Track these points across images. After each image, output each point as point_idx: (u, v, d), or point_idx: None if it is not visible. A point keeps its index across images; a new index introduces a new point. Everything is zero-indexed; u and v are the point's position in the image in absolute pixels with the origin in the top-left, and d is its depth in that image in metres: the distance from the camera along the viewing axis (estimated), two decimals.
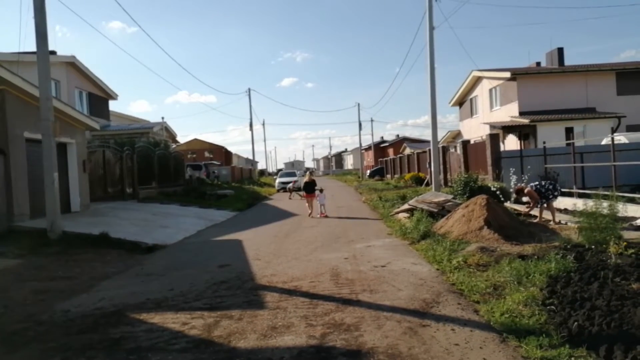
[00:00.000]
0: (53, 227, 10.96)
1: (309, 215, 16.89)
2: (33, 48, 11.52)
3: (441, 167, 23.62)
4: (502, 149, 20.85)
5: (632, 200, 11.78)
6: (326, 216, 16.40)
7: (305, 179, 18.48)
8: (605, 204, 8.01)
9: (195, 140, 61.93)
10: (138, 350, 4.52)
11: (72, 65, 24.72)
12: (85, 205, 15.90)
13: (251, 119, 52.94)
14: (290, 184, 29.95)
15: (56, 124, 11.74)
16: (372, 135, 69.71)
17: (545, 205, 11.22)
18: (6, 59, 17.64)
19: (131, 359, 4.32)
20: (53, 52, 20.75)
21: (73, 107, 16.95)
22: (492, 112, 28.95)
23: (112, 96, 29.49)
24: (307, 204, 17.58)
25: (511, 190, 15.19)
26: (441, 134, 36.52)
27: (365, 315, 5.22)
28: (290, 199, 26.16)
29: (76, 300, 6.57)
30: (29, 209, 12.49)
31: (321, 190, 17.57)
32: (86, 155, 16.74)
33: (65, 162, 15.26)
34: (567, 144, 17.69)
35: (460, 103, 35.11)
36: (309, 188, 17.59)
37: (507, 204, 13.75)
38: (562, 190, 14.65)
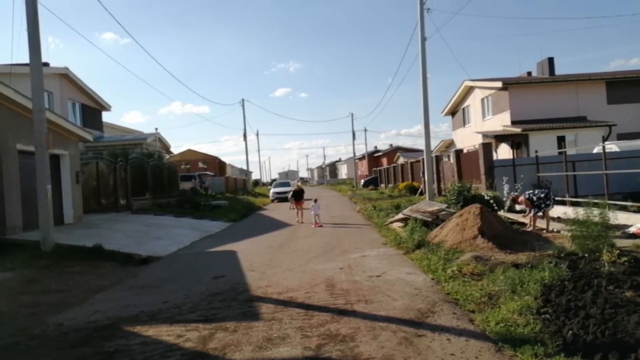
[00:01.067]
0: (46, 240, 10.88)
1: (297, 221, 18.03)
2: (26, 59, 11.53)
3: (435, 176, 23.71)
4: (494, 158, 20.99)
5: (624, 208, 11.88)
6: (321, 226, 16.54)
7: (294, 188, 20.96)
8: (597, 212, 8.07)
9: (189, 150, 61.84)
10: None
11: (65, 76, 24.69)
12: (78, 217, 15.80)
13: (245, 129, 52.81)
14: (290, 193, 29.69)
15: (49, 136, 11.71)
16: (366, 144, 69.95)
17: (540, 213, 11.26)
18: None
19: None
20: (46, 64, 20.69)
21: (66, 119, 16.92)
22: (485, 122, 29.17)
23: (105, 107, 29.44)
24: (296, 212, 18.98)
25: (504, 199, 15.27)
26: (434, 143, 36.70)
27: (361, 326, 5.21)
28: (291, 209, 24.25)
29: (69, 313, 6.51)
30: (22, 221, 12.40)
31: (315, 200, 17.91)
32: (79, 167, 16.67)
33: (58, 173, 15.19)
34: (559, 153, 17.82)
35: (452, 112, 35.35)
36: (298, 196, 19.47)
37: (501, 213, 13.82)
38: (555, 198, 14.78)
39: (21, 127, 12.53)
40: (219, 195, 34.83)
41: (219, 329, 5.40)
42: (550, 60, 28.85)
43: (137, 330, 5.55)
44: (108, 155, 20.85)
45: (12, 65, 16.27)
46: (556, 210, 13.34)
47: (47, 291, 7.90)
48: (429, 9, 18.31)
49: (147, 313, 6.29)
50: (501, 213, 13.82)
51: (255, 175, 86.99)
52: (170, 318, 5.98)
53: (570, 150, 19.09)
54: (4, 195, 11.79)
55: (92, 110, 27.95)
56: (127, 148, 26.38)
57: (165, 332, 5.38)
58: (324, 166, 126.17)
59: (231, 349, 4.73)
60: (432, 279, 7.36)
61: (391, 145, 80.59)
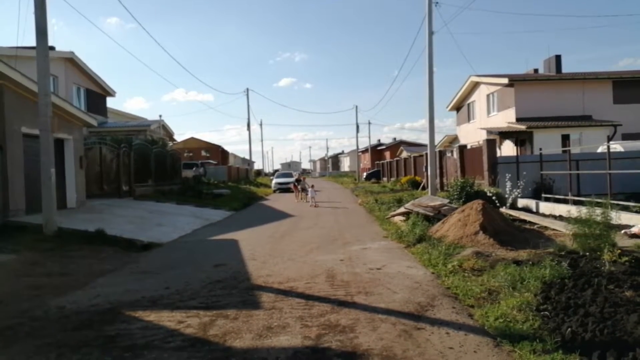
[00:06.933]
0: (49, 223, 10.94)
1: (297, 200, 25.20)
2: (31, 43, 11.56)
3: (437, 171, 23.69)
4: (498, 154, 20.95)
5: (626, 209, 11.84)
6: (316, 206, 20.48)
7: (296, 177, 31.30)
8: (599, 211, 8.06)
9: (192, 139, 61.87)
10: (133, 347, 4.53)
11: (71, 61, 24.67)
12: (81, 201, 15.86)
13: (249, 119, 52.73)
14: (292, 183, 31.02)
15: (54, 120, 11.72)
16: (369, 137, 69.35)
17: None
18: (4, 53, 17.55)
19: (126, 356, 4.33)
20: (52, 48, 20.69)
21: (71, 103, 16.92)
22: (489, 118, 29.08)
23: (110, 93, 29.43)
24: (295, 193, 26.68)
25: (507, 196, 15.25)
26: (438, 138, 36.71)
27: (361, 317, 5.24)
28: (299, 199, 25.46)
29: (71, 296, 6.56)
30: (25, 205, 12.46)
31: (312, 186, 23.64)
32: (83, 152, 16.70)
33: (62, 158, 15.22)
34: (563, 151, 17.79)
35: (457, 108, 35.24)
36: (297, 182, 28.42)
37: (503, 210, 13.83)
38: (557, 197, 14.75)
39: (26, 110, 12.55)
40: (221, 184, 34.88)
41: (219, 316, 5.44)
42: (558, 58, 28.70)
43: (138, 315, 5.59)
44: (111, 141, 20.87)
45: (17, 48, 16.25)
46: (559, 209, 13.34)
47: (50, 274, 7.95)
48: (437, 2, 18.21)
49: (148, 298, 6.34)
50: (503, 210, 13.83)
51: (257, 165, 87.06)
52: (172, 304, 6.02)
53: (575, 149, 19.03)
54: (8, 178, 11.83)
55: (96, 95, 27.95)
56: (131, 134, 26.41)
57: (166, 318, 5.42)
58: (326, 158, 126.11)
59: (231, 336, 4.77)
60: (433, 273, 7.38)
61: (394, 138, 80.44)
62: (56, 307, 6.03)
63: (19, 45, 15.10)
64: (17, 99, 12.48)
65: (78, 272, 8.15)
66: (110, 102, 31.33)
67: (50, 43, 11.70)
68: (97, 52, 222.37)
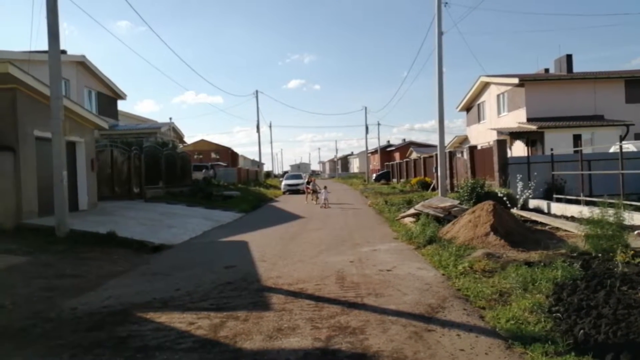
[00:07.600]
0: (61, 225, 11.05)
1: (307, 202, 25.28)
2: (43, 47, 11.65)
3: (448, 172, 23.58)
4: (509, 155, 20.80)
5: (639, 209, 11.71)
6: (328, 207, 21.39)
7: (307, 179, 31.45)
8: (612, 212, 7.97)
9: (202, 141, 62.21)
10: (145, 348, 4.56)
11: (82, 64, 24.90)
12: (92, 203, 16.00)
13: (258, 121, 52.79)
14: (303, 185, 31.04)
15: (66, 123, 11.85)
16: (379, 138, 69.41)
17: None
18: (17, 57, 17.75)
19: (138, 357, 4.36)
20: (63, 52, 20.89)
21: (82, 106, 17.09)
22: (500, 118, 28.90)
23: (120, 96, 29.66)
24: (306, 195, 27.27)
25: (518, 196, 15.13)
26: (448, 139, 36.51)
27: (371, 319, 5.23)
28: (308, 201, 25.49)
29: (84, 298, 6.62)
30: (38, 207, 12.59)
31: (325, 187, 24.13)
32: (94, 154, 16.86)
33: (73, 160, 15.38)
34: (575, 151, 17.61)
35: (467, 108, 35.06)
36: (308, 183, 29.31)
37: (514, 210, 13.72)
38: (569, 197, 14.60)
39: (38, 113, 12.69)
40: (231, 186, 35.01)
41: (230, 317, 5.45)
42: (569, 57, 28.45)
43: (149, 316, 5.63)
44: (122, 144, 21.04)
45: (30, 52, 16.42)
46: (570, 209, 13.22)
47: (62, 276, 8.03)
48: (446, 2, 18.13)
49: (159, 300, 6.37)
50: (514, 211, 13.73)
51: (267, 167, 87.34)
52: (182, 305, 6.05)
53: (587, 149, 18.84)
54: (21, 181, 11.97)
55: (107, 98, 28.19)
56: (142, 137, 26.61)
57: (177, 319, 5.45)
58: (336, 159, 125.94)
59: (242, 337, 4.78)
60: (443, 274, 7.35)
61: (404, 139, 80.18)
62: (69, 308, 6.08)
63: (32, 49, 15.23)
64: (30, 103, 12.63)
65: (90, 274, 8.23)
66: (121, 105, 31.57)
67: (62, 47, 11.82)
68: (108, 56, 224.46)
